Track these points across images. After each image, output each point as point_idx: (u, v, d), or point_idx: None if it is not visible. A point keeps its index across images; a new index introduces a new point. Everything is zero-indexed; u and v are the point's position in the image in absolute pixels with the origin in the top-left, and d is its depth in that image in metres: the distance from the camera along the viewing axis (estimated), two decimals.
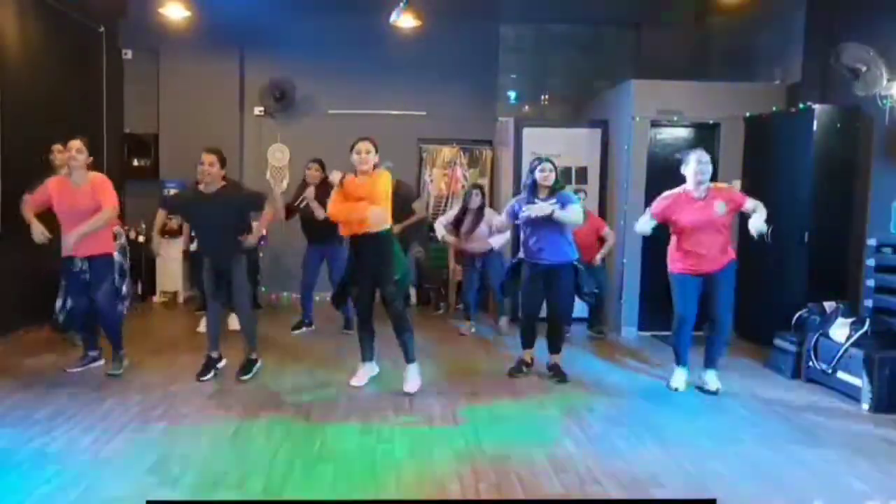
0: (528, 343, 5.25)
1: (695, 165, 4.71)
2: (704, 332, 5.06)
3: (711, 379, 4.93)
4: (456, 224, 6.52)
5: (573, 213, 4.85)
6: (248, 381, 4.89)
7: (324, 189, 5.94)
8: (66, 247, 4.75)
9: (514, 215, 5.06)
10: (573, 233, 5.12)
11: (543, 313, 5.20)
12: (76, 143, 4.75)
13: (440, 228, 6.55)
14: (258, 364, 5.07)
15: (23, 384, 4.68)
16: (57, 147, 5.32)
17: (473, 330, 6.59)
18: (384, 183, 4.60)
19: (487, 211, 6.57)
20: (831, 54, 5.38)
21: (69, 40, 7.11)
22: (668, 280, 4.96)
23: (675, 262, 4.90)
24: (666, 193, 4.91)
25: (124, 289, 5.30)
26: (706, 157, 4.76)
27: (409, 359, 4.81)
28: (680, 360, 5.02)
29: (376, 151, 4.64)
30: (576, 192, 6.48)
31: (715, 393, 4.83)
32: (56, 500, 3.08)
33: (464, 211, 6.53)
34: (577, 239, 5.24)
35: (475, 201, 6.48)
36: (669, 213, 4.82)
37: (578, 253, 5.14)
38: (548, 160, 5.00)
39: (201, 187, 4.91)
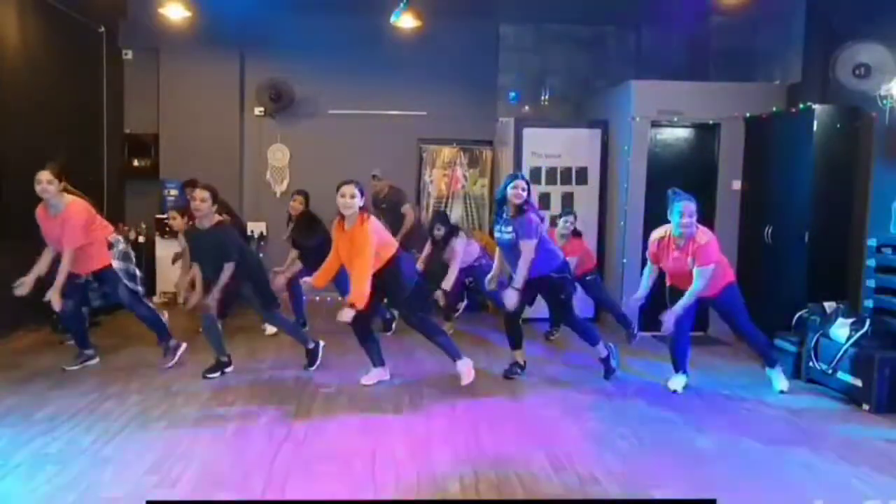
0: (514, 344, 5.24)
1: (678, 218, 4.65)
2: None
3: (773, 377, 5.02)
4: (428, 261, 6.34)
5: (526, 258, 4.82)
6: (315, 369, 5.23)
7: (305, 222, 6.15)
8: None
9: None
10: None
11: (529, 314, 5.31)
12: (45, 175, 4.71)
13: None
14: (320, 347, 5.34)
15: (22, 384, 4.68)
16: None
17: (451, 332, 6.48)
18: (365, 237, 4.56)
19: (456, 242, 6.23)
20: (830, 61, 5.38)
21: (69, 40, 7.10)
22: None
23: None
24: (653, 237, 4.91)
25: (140, 289, 5.31)
26: (692, 208, 4.64)
27: (453, 357, 4.91)
28: (677, 368, 5.03)
29: (361, 195, 4.63)
30: (566, 212, 6.36)
31: (781, 392, 4.93)
32: (56, 500, 3.08)
33: (433, 243, 6.31)
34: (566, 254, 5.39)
35: (437, 234, 6.24)
36: (656, 257, 4.90)
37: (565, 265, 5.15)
38: (523, 178, 4.97)
39: (195, 222, 4.96)
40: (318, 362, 5.28)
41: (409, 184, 8.09)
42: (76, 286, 5.01)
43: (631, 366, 5.61)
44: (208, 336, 5.06)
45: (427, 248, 6.36)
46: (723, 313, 5.08)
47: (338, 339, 5.56)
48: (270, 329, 6.24)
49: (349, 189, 4.59)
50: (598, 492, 3.30)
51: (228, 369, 5.09)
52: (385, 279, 4.67)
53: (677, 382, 4.97)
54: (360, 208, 4.61)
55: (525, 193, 4.87)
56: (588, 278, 6.19)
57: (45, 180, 4.70)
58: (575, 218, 6.24)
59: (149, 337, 5.90)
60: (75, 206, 4.86)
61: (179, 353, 5.29)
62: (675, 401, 4.76)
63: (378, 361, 5.02)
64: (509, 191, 4.87)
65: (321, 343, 5.35)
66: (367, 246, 4.53)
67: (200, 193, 4.81)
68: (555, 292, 5.08)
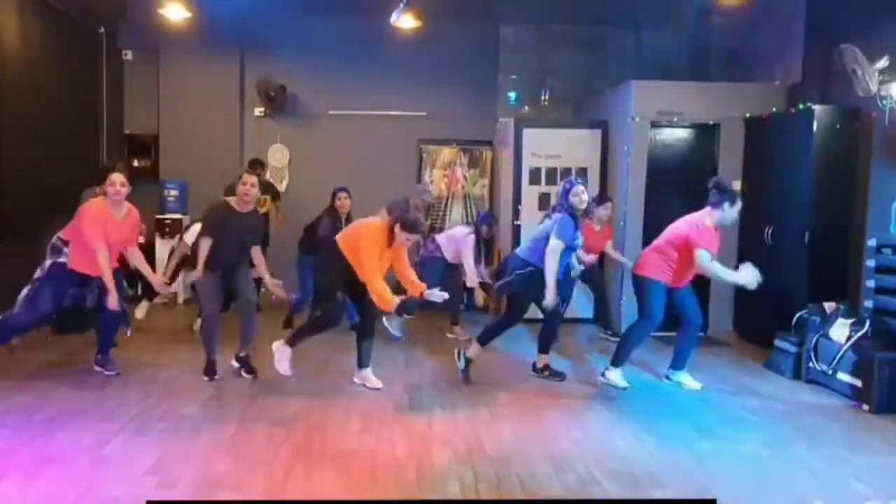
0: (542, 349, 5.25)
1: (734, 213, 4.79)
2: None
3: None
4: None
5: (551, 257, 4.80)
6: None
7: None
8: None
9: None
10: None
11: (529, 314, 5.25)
12: (120, 177, 4.70)
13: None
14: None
15: (23, 385, 4.68)
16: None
17: (463, 335, 6.38)
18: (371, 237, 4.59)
19: (441, 238, 6.35)
20: (835, 53, 5.37)
21: (69, 40, 7.11)
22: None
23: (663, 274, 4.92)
24: (704, 225, 4.80)
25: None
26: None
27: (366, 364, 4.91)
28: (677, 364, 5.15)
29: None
30: (603, 200, 6.41)
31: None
32: (56, 500, 3.08)
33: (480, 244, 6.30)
34: (591, 242, 5.55)
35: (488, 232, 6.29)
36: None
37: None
38: (580, 182, 4.95)
39: (235, 206, 4.94)
40: (216, 377, 4.97)
41: (409, 184, 8.08)
42: (71, 287, 4.91)
43: (630, 365, 5.61)
44: (205, 334, 5.02)
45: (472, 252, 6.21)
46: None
47: (339, 337, 5.55)
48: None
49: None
50: (598, 492, 3.30)
51: (216, 376, 4.96)
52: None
53: (686, 380, 5.06)
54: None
55: (586, 196, 4.94)
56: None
57: (120, 182, 4.69)
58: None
59: (149, 337, 5.91)
60: (135, 208, 4.93)
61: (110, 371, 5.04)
62: (676, 401, 4.76)
63: (367, 363, 4.91)
64: (572, 197, 4.85)
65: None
66: (360, 249, 4.60)
67: (251, 178, 4.94)
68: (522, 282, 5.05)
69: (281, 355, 4.74)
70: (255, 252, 5.11)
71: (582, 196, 4.85)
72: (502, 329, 5.11)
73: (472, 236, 6.19)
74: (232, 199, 4.97)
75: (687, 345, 5.10)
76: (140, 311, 6.29)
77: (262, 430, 3.97)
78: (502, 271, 5.27)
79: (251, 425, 4.05)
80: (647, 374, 5.39)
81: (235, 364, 5.07)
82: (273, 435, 3.90)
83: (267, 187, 7.31)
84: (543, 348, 5.21)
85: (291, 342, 4.76)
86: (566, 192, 4.87)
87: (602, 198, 6.48)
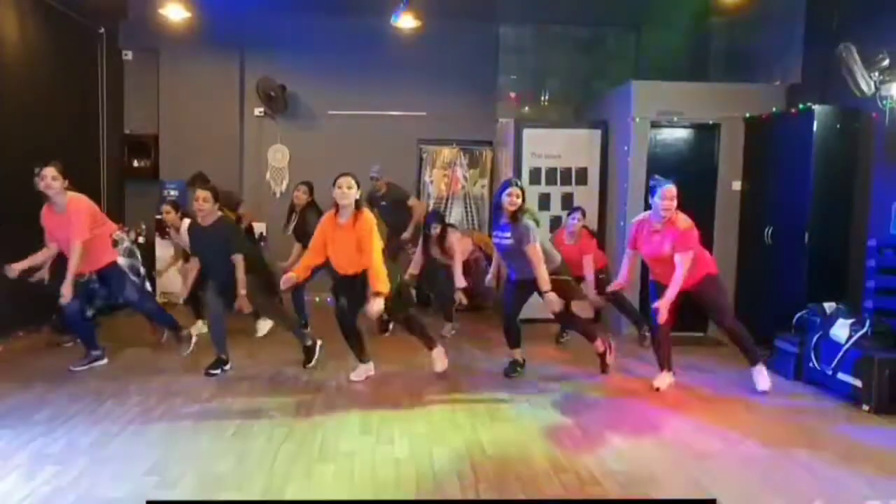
0: (512, 343, 5.26)
1: (659, 201, 4.70)
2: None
3: (755, 376, 5.01)
4: (422, 264, 6.33)
5: (537, 262, 4.83)
6: (313, 366, 5.27)
7: (312, 212, 6.16)
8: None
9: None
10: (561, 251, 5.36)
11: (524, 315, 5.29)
12: (50, 171, 4.73)
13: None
14: (317, 346, 5.38)
15: (22, 385, 4.68)
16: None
17: (454, 332, 6.50)
18: (369, 226, 4.61)
19: (452, 236, 6.28)
20: (835, 53, 5.36)
21: (69, 41, 7.10)
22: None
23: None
24: (634, 221, 5.01)
25: (147, 285, 5.36)
26: (674, 192, 4.69)
27: (429, 346, 5.10)
28: (662, 366, 5.07)
29: (358, 187, 4.65)
30: (574, 209, 6.32)
31: (763, 392, 4.93)
32: (56, 500, 3.08)
33: (426, 243, 6.29)
34: (564, 254, 5.33)
35: (434, 232, 6.21)
36: (635, 241, 4.95)
37: (565, 267, 5.20)
38: (517, 184, 4.97)
39: (200, 221, 5.07)
40: (315, 360, 5.32)
41: (409, 184, 8.09)
42: (79, 286, 4.99)
43: (631, 366, 5.62)
44: (211, 332, 5.09)
45: (419, 253, 6.32)
46: (703, 306, 5.01)
47: (339, 338, 5.54)
48: (263, 329, 6.26)
49: (346, 181, 4.64)
50: (598, 492, 3.30)
51: (227, 367, 5.11)
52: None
53: (663, 380, 4.99)
54: (356, 202, 4.64)
55: (519, 200, 4.90)
56: (601, 276, 6.16)
57: (51, 176, 4.72)
58: (583, 215, 6.20)
59: (147, 338, 5.91)
60: (79, 200, 4.92)
61: (193, 341, 5.42)
62: (676, 401, 4.75)
63: (364, 358, 5.08)
64: (504, 198, 4.91)
65: (318, 342, 5.38)
66: (374, 232, 4.61)
67: (202, 193, 4.97)
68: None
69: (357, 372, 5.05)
70: (237, 261, 4.99)
71: (511, 199, 4.88)
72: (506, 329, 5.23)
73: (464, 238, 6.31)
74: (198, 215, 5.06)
75: None
76: (195, 329, 6.00)
77: (262, 430, 3.97)
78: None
79: (251, 425, 4.05)
80: (646, 375, 5.38)
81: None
82: (273, 435, 3.90)
83: (227, 198, 7.02)
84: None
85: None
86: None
87: (573, 209, 6.34)
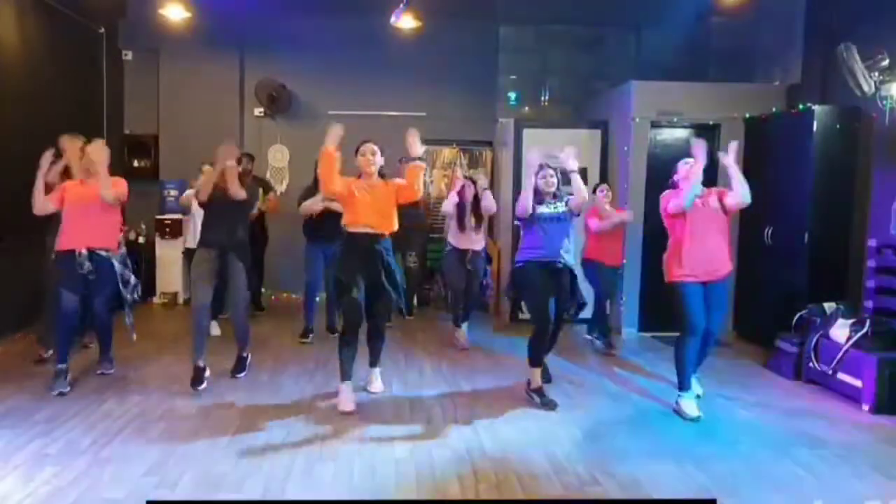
0: (546, 350, 4.79)
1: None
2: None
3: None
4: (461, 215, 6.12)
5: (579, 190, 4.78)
6: (241, 377, 4.97)
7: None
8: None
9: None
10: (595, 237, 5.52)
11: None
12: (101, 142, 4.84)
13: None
14: (248, 360, 5.14)
15: (22, 386, 4.67)
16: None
17: (464, 340, 6.15)
18: (405, 178, 4.61)
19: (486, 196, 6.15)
20: (836, 52, 5.36)
21: (69, 41, 7.10)
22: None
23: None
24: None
25: (129, 297, 5.17)
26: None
27: (375, 363, 4.84)
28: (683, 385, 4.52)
29: (382, 153, 4.61)
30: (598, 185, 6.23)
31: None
32: (56, 500, 3.08)
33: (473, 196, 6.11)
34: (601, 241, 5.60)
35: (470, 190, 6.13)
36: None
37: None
38: (549, 166, 4.88)
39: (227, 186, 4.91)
40: (244, 373, 5.05)
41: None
42: (80, 278, 4.86)
43: (631, 366, 5.61)
44: (192, 329, 4.84)
45: (454, 227, 6.16)
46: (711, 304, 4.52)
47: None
48: (216, 331, 6.01)
49: (370, 147, 4.58)
50: (598, 492, 3.30)
51: (207, 373, 4.81)
52: (391, 253, 4.57)
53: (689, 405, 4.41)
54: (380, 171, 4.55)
55: (554, 180, 4.83)
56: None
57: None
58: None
59: (149, 338, 5.91)
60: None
61: (113, 369, 5.06)
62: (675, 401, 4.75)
63: (349, 375, 4.51)
64: (539, 181, 4.79)
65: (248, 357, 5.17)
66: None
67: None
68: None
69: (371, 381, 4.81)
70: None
71: (547, 179, 4.83)
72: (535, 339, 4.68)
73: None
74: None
75: None
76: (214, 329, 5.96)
77: (262, 430, 3.97)
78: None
79: (251, 425, 4.05)
80: (646, 376, 5.38)
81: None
82: (273, 435, 3.90)
83: (260, 181, 7.17)
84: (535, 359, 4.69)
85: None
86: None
87: (598, 183, 6.30)
